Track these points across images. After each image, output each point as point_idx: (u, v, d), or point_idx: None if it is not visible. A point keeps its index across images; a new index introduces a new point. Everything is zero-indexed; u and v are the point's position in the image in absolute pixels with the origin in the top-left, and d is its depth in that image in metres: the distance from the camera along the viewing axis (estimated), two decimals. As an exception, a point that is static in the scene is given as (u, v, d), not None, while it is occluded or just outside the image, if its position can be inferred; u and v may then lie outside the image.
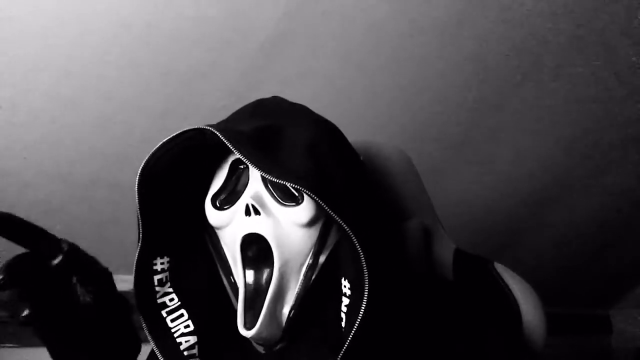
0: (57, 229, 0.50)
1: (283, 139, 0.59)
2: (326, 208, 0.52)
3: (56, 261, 0.50)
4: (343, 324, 0.56)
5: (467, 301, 0.67)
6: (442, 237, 0.84)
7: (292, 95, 0.71)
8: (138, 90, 1.04)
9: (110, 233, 1.19)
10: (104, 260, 0.57)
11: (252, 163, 0.54)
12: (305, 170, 0.56)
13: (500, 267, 0.79)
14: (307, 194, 0.53)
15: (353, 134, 0.69)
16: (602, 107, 1.66)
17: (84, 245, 0.56)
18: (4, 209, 0.46)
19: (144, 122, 1.09)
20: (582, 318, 2.81)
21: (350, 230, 0.52)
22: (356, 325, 0.53)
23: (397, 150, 0.86)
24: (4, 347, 1.17)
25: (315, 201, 0.54)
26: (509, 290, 0.76)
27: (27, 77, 0.95)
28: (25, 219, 0.50)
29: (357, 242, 0.52)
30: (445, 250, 0.82)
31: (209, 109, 1.12)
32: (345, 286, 0.57)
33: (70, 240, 0.54)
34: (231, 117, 0.66)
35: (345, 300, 0.57)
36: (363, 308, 0.52)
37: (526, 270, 0.84)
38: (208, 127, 0.55)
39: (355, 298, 0.55)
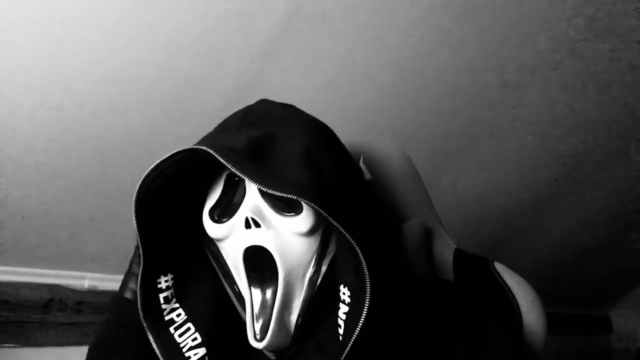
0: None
1: (277, 148, 0.59)
2: (327, 217, 0.52)
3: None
4: (341, 331, 0.56)
5: (467, 301, 0.67)
6: (443, 237, 0.84)
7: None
8: (137, 91, 1.04)
9: (107, 233, 1.19)
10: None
11: (249, 178, 0.54)
12: (303, 179, 0.56)
13: (500, 267, 0.79)
14: (307, 204, 0.53)
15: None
16: (604, 105, 1.66)
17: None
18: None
19: (145, 123, 1.08)
20: (582, 318, 2.81)
21: (352, 238, 0.52)
22: (355, 333, 0.53)
23: (397, 150, 0.86)
24: (3, 347, 1.17)
25: (316, 211, 0.54)
26: (509, 290, 0.76)
27: (27, 77, 0.95)
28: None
29: (360, 250, 0.52)
30: (445, 250, 0.82)
31: (209, 110, 1.11)
32: (344, 293, 0.57)
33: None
34: (220, 127, 0.66)
35: (344, 308, 0.56)
36: (363, 316, 0.52)
37: (526, 270, 0.84)
38: (201, 147, 0.55)
39: (355, 306, 0.54)
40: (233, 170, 0.54)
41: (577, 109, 1.64)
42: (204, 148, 0.55)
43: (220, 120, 0.67)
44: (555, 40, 1.39)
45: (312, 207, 0.53)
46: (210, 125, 0.64)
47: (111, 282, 1.25)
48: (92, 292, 1.25)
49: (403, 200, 0.82)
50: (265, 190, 0.53)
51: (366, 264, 0.52)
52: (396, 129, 1.43)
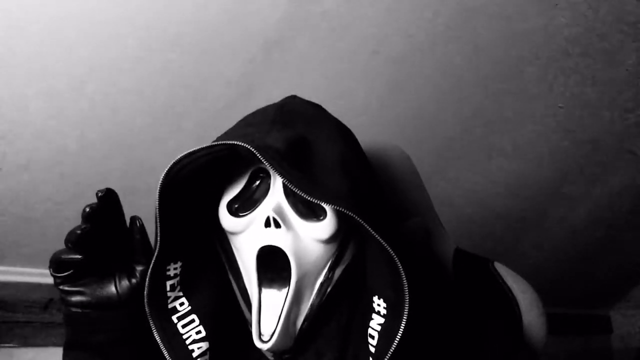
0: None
1: (314, 154, 0.59)
2: (371, 231, 0.52)
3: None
4: (373, 342, 0.56)
5: (467, 301, 0.67)
6: (442, 236, 0.84)
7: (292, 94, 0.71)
8: (138, 90, 1.04)
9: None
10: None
11: (294, 184, 0.53)
12: (343, 189, 0.56)
13: (500, 267, 0.79)
14: (355, 217, 0.52)
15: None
16: (606, 105, 1.66)
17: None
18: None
19: (144, 122, 1.08)
20: (582, 318, 2.81)
21: (395, 254, 0.52)
22: (393, 346, 0.53)
23: (397, 149, 0.86)
24: (4, 347, 1.17)
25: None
26: (510, 290, 0.76)
27: (27, 77, 0.95)
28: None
29: (401, 267, 0.52)
30: (445, 250, 0.82)
31: (209, 108, 1.12)
32: (379, 305, 0.57)
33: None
34: (249, 121, 0.65)
35: (379, 319, 0.56)
36: (401, 330, 0.52)
37: (526, 270, 0.84)
38: (244, 144, 0.54)
39: (392, 319, 0.54)
40: (277, 173, 0.53)
41: (579, 109, 1.64)
42: (247, 146, 0.53)
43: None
44: (565, 40, 1.40)
45: (360, 222, 0.52)
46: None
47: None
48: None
49: (403, 200, 0.82)
50: (309, 198, 0.53)
51: (407, 281, 0.52)
52: (396, 128, 1.43)
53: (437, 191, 0.97)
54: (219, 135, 0.63)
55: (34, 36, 0.91)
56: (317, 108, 0.68)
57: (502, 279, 0.77)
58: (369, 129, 1.35)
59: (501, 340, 0.65)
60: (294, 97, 0.68)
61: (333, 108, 0.70)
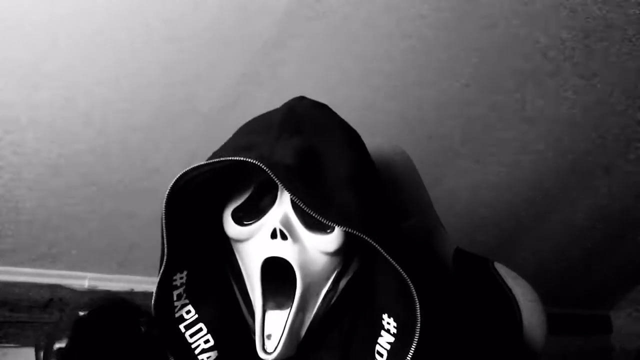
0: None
1: (324, 167, 0.58)
2: (383, 253, 0.52)
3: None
4: (383, 359, 0.56)
5: (468, 301, 0.67)
6: (443, 236, 0.84)
7: (291, 95, 0.70)
8: (137, 90, 1.04)
9: (108, 232, 1.19)
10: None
11: (306, 205, 0.53)
12: (353, 206, 0.55)
13: (500, 267, 0.79)
14: (369, 241, 0.52)
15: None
16: (606, 106, 1.66)
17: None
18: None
19: (144, 122, 1.08)
20: (582, 318, 2.81)
21: (407, 277, 0.52)
22: None
23: (397, 149, 0.86)
24: (4, 347, 1.17)
25: (372, 245, 0.54)
26: (509, 290, 0.76)
27: (27, 78, 0.95)
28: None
29: (413, 287, 0.52)
30: (445, 250, 0.82)
31: (209, 109, 1.11)
32: (388, 323, 0.56)
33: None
34: (256, 127, 0.64)
35: (388, 337, 0.56)
36: (412, 351, 0.52)
37: (526, 270, 0.84)
38: (254, 161, 0.53)
39: (402, 338, 0.54)
40: (287, 191, 0.53)
41: (579, 110, 1.64)
42: (259, 164, 0.53)
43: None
44: (559, 38, 1.40)
45: (373, 244, 0.52)
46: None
47: (111, 282, 1.25)
48: (92, 292, 1.24)
49: (403, 200, 0.82)
50: (321, 219, 0.53)
51: (419, 304, 0.52)
52: (396, 129, 1.43)
53: (437, 191, 0.97)
54: (226, 137, 0.62)
55: (31, 36, 0.91)
56: (325, 110, 0.67)
57: (502, 279, 0.77)
58: (370, 129, 1.35)
59: (501, 340, 0.64)
60: (302, 99, 0.67)
61: (334, 108, 0.70)
